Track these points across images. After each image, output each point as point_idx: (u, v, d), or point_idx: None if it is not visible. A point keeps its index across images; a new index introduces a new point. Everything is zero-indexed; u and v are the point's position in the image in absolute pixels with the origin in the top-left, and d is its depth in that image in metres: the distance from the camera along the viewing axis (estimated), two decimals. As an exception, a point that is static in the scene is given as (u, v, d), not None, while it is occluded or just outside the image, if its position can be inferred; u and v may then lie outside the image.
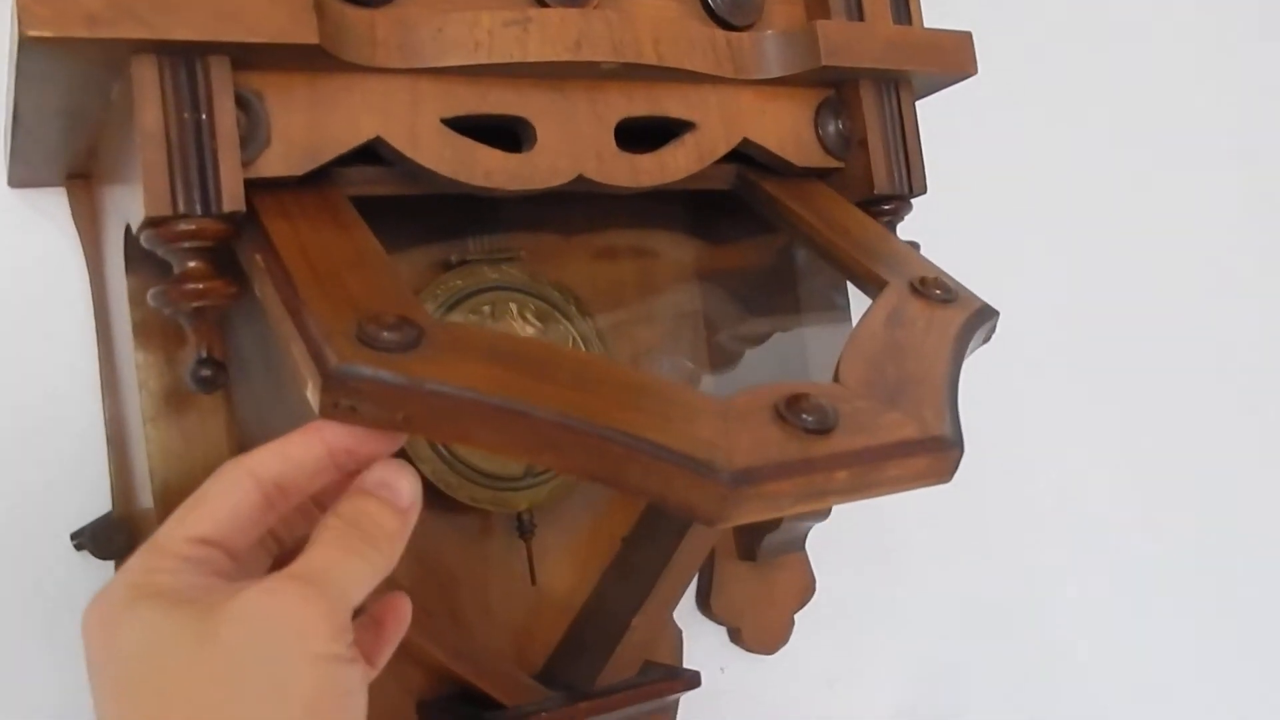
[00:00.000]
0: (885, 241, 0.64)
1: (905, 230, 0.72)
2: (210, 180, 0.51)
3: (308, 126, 0.55)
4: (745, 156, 0.68)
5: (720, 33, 0.66)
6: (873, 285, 0.60)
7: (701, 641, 0.84)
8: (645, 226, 0.82)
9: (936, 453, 0.47)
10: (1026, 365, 1.07)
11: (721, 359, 0.82)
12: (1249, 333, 1.25)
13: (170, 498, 0.59)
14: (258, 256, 0.49)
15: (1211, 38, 1.28)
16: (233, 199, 0.51)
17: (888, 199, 0.70)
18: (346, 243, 0.51)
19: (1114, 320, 1.15)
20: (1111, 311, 1.15)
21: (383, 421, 0.43)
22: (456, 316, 0.71)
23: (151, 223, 0.51)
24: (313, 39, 0.52)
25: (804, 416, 0.45)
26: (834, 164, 0.70)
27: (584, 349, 0.75)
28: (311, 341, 0.43)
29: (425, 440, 0.69)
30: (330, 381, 0.42)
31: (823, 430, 0.45)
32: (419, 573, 0.71)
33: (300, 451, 0.44)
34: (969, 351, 0.56)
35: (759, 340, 0.80)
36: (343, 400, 0.42)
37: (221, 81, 0.52)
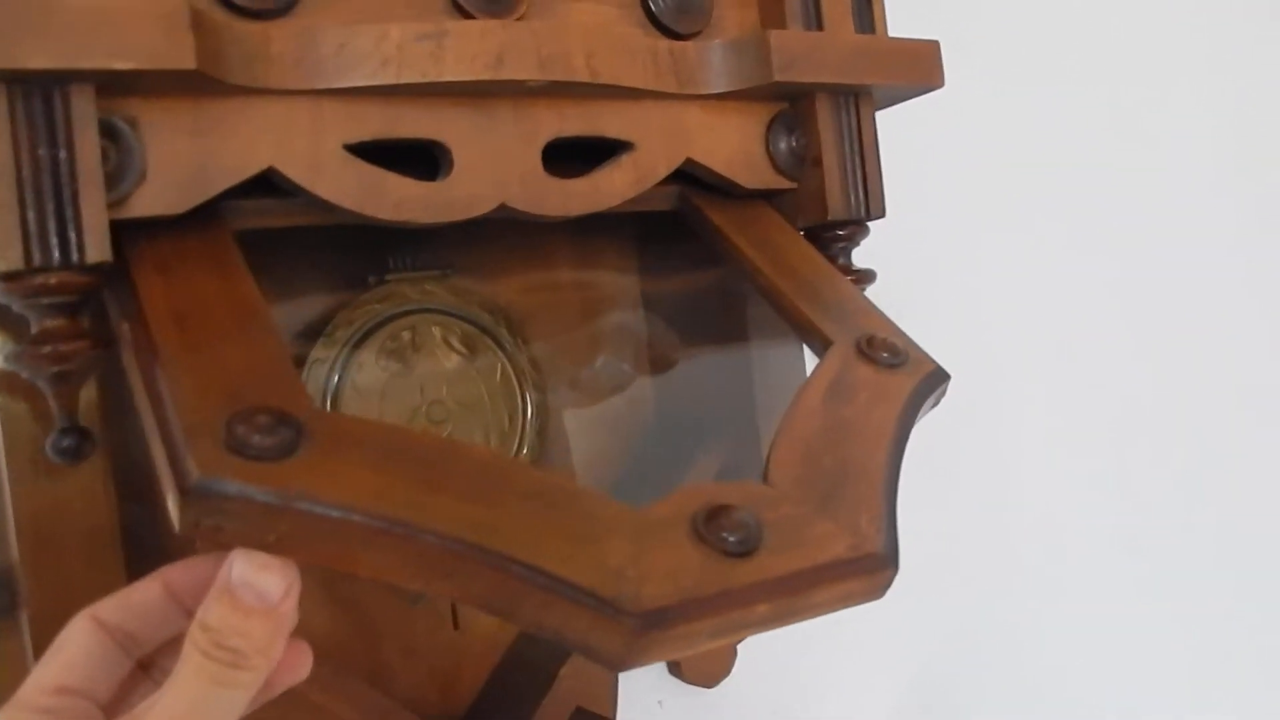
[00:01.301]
0: (833, 285, 0.59)
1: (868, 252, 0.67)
2: (71, 226, 0.45)
3: (190, 157, 0.49)
4: (691, 175, 0.62)
5: (663, 42, 0.60)
6: (818, 342, 0.55)
7: (637, 674, 0.79)
8: (588, 239, 0.76)
9: (869, 573, 0.42)
10: (1007, 376, 1.03)
11: (666, 387, 0.77)
12: (1233, 341, 1.22)
13: (39, 556, 0.54)
14: (124, 325, 0.43)
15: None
16: (97, 247, 0.45)
17: (842, 224, 0.64)
18: (227, 302, 0.45)
19: (1096, 332, 1.11)
20: (1094, 323, 1.11)
21: (252, 543, 0.37)
22: (372, 346, 0.65)
23: (2, 276, 0.45)
24: (188, 63, 0.46)
25: (725, 536, 0.40)
26: (786, 184, 0.64)
27: (514, 380, 0.69)
28: (173, 445, 0.37)
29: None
30: (190, 498, 0.36)
31: (745, 552, 0.40)
32: (333, 617, 0.66)
33: (140, 597, 0.39)
34: (918, 419, 0.51)
35: (706, 366, 0.74)
36: (205, 519, 0.36)
37: (84, 112, 0.45)
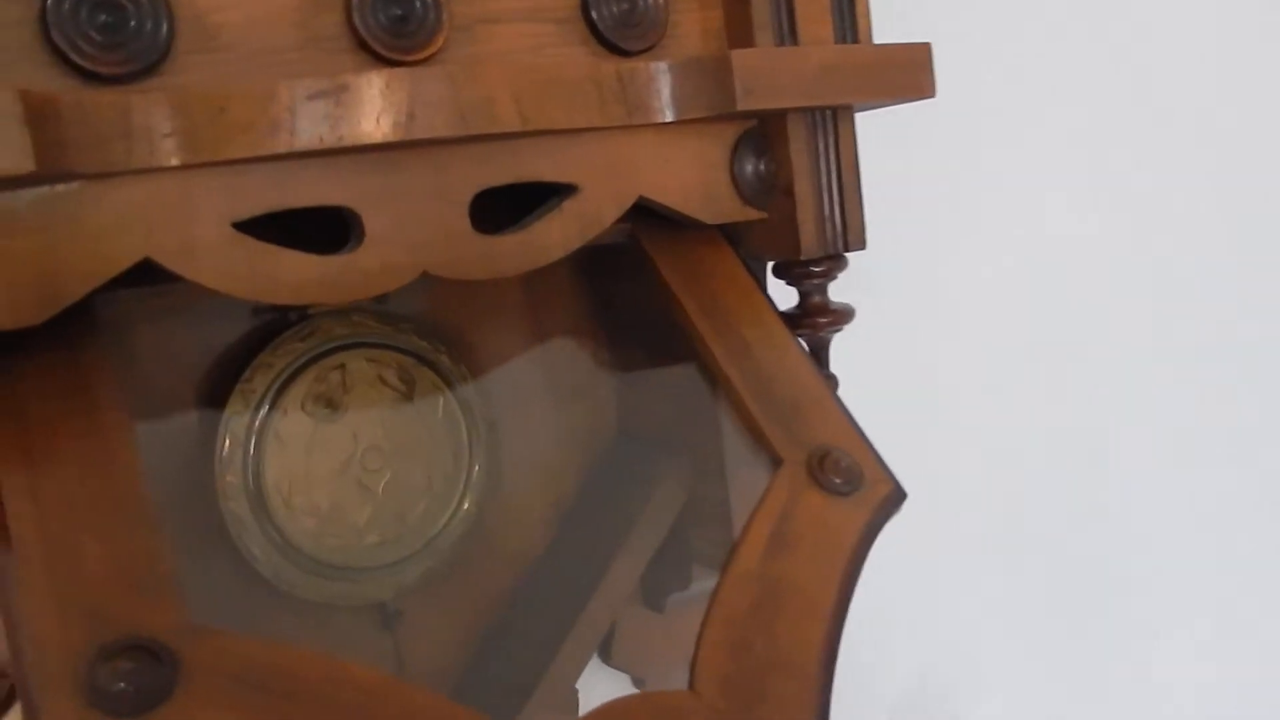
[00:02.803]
0: (788, 368, 0.53)
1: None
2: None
3: (43, 258, 0.42)
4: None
5: (608, 65, 0.52)
6: (765, 452, 0.49)
7: (600, 692, 0.75)
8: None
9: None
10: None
11: (627, 401, 0.71)
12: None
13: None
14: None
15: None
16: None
17: (817, 260, 0.57)
18: (94, 473, 0.39)
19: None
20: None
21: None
22: (297, 391, 0.59)
23: None
24: (25, 165, 0.38)
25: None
26: (754, 215, 0.57)
27: (458, 413, 0.63)
28: (29, 696, 0.32)
29: (260, 531, 0.59)
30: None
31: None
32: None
33: None
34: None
35: (669, 378, 0.68)
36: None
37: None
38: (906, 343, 0.96)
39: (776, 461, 0.49)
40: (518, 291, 0.68)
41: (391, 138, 0.45)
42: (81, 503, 0.38)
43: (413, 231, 0.48)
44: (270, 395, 0.58)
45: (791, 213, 0.56)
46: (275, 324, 0.60)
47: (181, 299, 0.57)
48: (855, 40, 0.56)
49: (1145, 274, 1.12)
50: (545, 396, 0.70)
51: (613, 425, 0.72)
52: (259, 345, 0.59)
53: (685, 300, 0.54)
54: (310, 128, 0.44)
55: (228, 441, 0.57)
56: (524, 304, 0.69)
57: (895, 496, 0.49)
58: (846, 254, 0.58)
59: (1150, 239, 1.11)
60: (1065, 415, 1.09)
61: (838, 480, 0.48)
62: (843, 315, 0.58)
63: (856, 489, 0.48)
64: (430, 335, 0.63)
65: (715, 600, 0.44)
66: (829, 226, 0.56)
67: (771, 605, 0.43)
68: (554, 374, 0.70)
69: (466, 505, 0.64)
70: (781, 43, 0.55)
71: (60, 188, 0.42)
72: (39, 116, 0.39)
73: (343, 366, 0.60)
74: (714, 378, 0.53)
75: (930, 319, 0.99)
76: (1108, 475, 1.12)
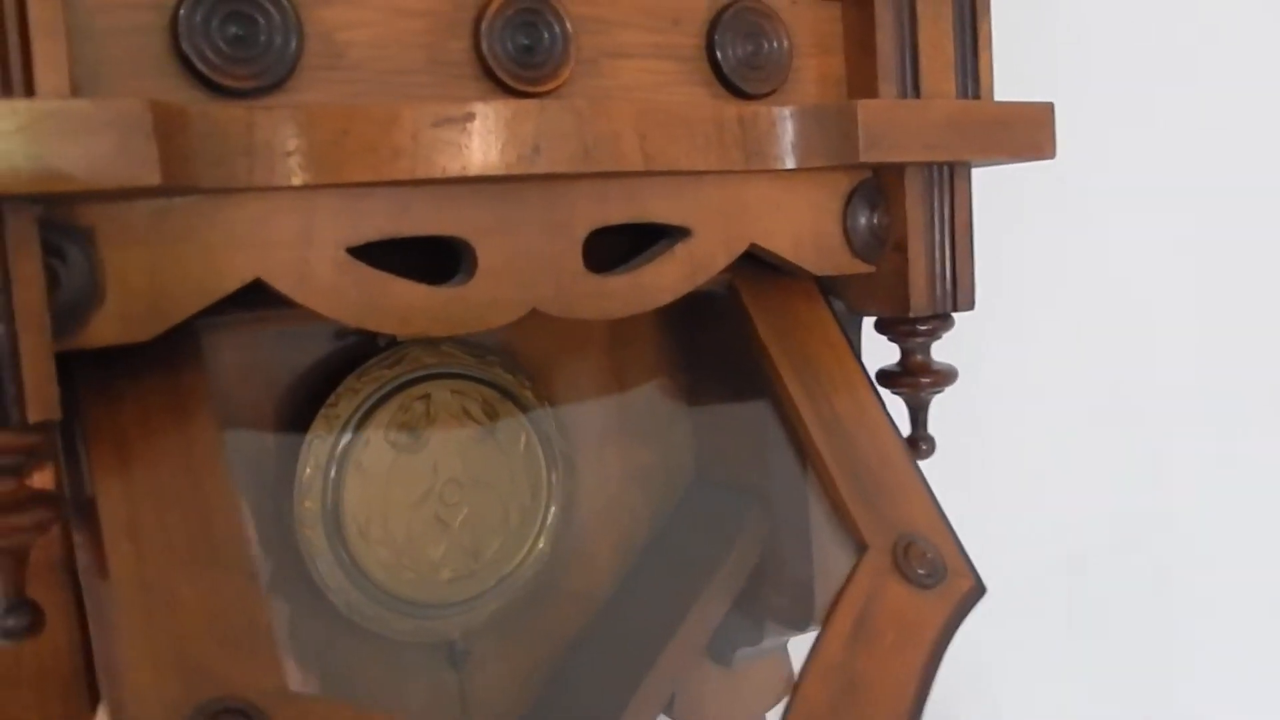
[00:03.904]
0: (878, 445, 0.52)
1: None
2: (8, 379, 0.37)
3: (156, 272, 0.41)
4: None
5: (730, 108, 0.50)
6: (851, 534, 0.48)
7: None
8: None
9: None
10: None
11: (707, 444, 0.69)
12: None
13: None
14: (77, 538, 0.36)
15: None
16: (42, 404, 0.37)
17: (924, 319, 0.55)
18: (193, 509, 0.38)
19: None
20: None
21: None
22: (382, 419, 0.57)
23: (-74, 435, 0.37)
24: (152, 178, 0.37)
25: None
26: (863, 268, 0.55)
27: (539, 449, 0.62)
28: None
29: (334, 560, 0.57)
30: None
31: None
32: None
33: None
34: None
35: (744, 441, 0.66)
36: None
37: (23, 238, 0.37)
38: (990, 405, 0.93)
39: (861, 546, 0.48)
40: (600, 328, 0.67)
41: (515, 170, 0.44)
42: (180, 545, 0.37)
43: (524, 267, 0.47)
44: (354, 421, 0.56)
45: (902, 268, 0.55)
46: (358, 348, 0.58)
47: (265, 317, 0.56)
48: (977, 96, 0.55)
49: (1241, 340, 1.10)
50: (621, 436, 0.68)
51: (688, 470, 0.70)
52: (341, 369, 0.57)
53: (780, 362, 0.53)
54: (433, 155, 0.43)
55: (309, 466, 0.55)
56: (606, 341, 0.67)
57: (975, 592, 0.49)
58: (954, 314, 0.56)
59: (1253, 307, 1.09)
60: (1140, 487, 1.07)
61: (921, 571, 0.48)
62: (945, 376, 0.57)
63: (939, 582, 0.48)
64: (515, 369, 0.61)
65: (798, 693, 0.44)
66: (939, 285, 0.55)
67: (851, 701, 0.42)
68: (631, 414, 0.68)
69: (541, 544, 0.62)
70: (904, 95, 0.53)
71: (178, 201, 0.41)
72: (167, 128, 0.38)
73: (428, 396, 0.59)
74: (801, 445, 0.52)
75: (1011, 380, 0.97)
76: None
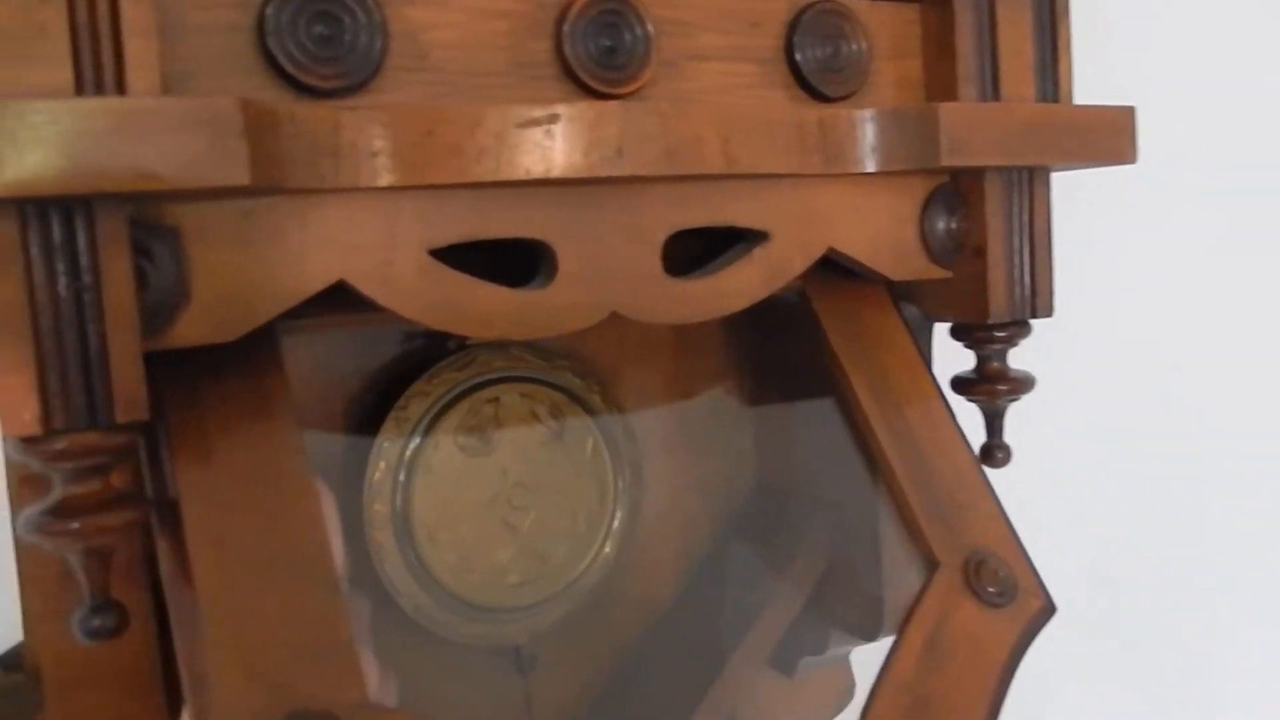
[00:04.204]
0: (951, 460, 0.51)
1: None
2: (98, 379, 0.37)
3: (242, 273, 0.41)
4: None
5: (811, 111, 0.50)
6: (920, 550, 0.48)
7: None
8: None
9: None
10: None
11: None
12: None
13: (67, 698, 0.48)
14: (160, 541, 0.36)
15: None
16: (130, 404, 0.37)
17: (1002, 325, 0.55)
18: (277, 518, 0.38)
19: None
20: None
21: None
22: (451, 422, 0.57)
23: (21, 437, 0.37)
24: (241, 178, 0.37)
25: None
26: (940, 274, 0.54)
27: (605, 453, 0.62)
28: None
29: (403, 563, 0.57)
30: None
31: None
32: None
33: None
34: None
35: (811, 450, 0.65)
36: None
37: (113, 235, 0.37)
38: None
39: (933, 563, 0.47)
40: (667, 333, 0.66)
41: (599, 172, 0.44)
42: (263, 556, 0.37)
43: (603, 270, 0.47)
44: (424, 424, 0.56)
45: (981, 274, 0.54)
46: (427, 351, 0.58)
47: (340, 319, 0.56)
48: (1056, 99, 0.54)
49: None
50: (685, 442, 0.68)
51: (751, 478, 0.70)
52: (411, 372, 0.57)
53: (851, 370, 0.53)
54: (517, 157, 0.43)
55: (379, 470, 0.55)
56: (671, 347, 0.67)
57: (1046, 611, 0.48)
58: (1032, 320, 0.55)
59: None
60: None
61: (992, 590, 0.47)
62: (1022, 384, 0.56)
63: (1010, 601, 0.48)
64: (584, 373, 0.61)
65: (869, 712, 0.44)
66: (1018, 290, 0.54)
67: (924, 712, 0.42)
68: (695, 420, 0.68)
69: (607, 549, 0.62)
70: (984, 98, 0.52)
71: (265, 201, 0.41)
72: (257, 128, 0.38)
73: (497, 400, 0.58)
74: (872, 456, 0.51)
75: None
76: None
